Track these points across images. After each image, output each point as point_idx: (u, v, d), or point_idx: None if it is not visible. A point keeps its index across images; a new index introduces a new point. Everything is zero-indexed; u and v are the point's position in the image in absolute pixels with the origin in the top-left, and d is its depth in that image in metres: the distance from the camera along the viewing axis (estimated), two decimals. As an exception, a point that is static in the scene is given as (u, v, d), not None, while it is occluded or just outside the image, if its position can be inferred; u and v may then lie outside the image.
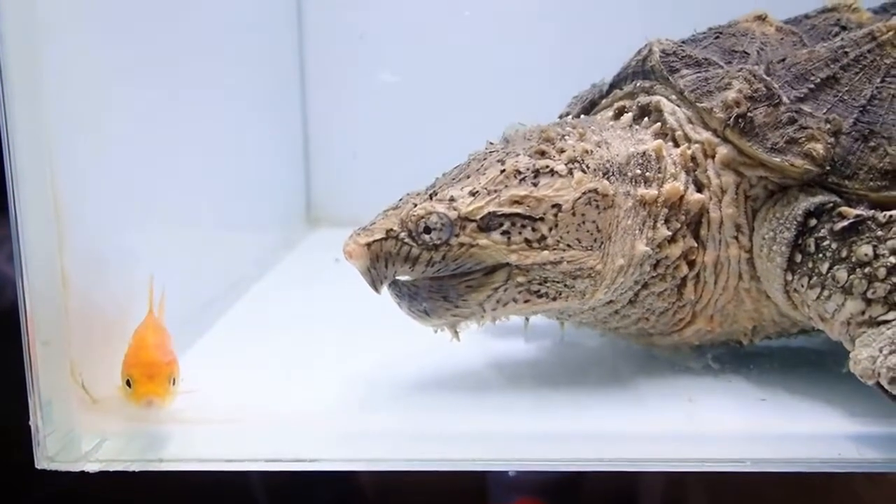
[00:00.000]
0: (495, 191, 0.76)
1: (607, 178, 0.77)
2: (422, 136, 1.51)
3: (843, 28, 0.89)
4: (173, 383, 0.73)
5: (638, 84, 0.89)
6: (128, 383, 0.72)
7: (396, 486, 1.08)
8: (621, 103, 0.89)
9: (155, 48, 0.95)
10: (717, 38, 0.89)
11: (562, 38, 1.50)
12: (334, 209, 1.58)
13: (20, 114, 0.69)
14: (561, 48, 1.49)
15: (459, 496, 1.08)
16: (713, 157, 0.81)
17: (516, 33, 1.52)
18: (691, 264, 0.82)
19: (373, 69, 1.56)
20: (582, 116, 0.91)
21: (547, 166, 0.76)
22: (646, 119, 0.85)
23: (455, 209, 0.75)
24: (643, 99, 0.87)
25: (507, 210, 0.75)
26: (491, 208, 0.75)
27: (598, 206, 0.77)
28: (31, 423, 0.71)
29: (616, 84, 0.92)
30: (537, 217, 0.75)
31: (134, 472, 0.71)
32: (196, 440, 0.75)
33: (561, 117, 0.97)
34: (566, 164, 0.77)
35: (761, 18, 0.91)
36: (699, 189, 0.81)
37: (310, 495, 1.04)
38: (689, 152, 0.82)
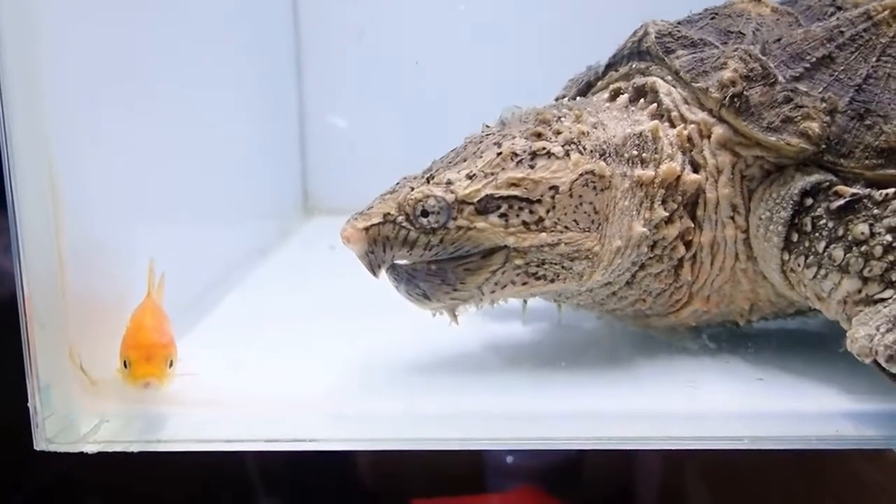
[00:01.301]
0: (492, 173, 0.76)
1: (604, 160, 0.78)
2: (419, 127, 1.51)
3: (839, 8, 0.88)
4: (171, 365, 0.73)
5: (634, 65, 0.89)
6: (125, 365, 0.72)
7: (394, 473, 1.08)
8: (617, 85, 0.89)
9: (153, 37, 0.95)
10: (713, 18, 0.89)
11: (556, 27, 1.49)
12: (331, 199, 1.58)
13: (18, 100, 0.69)
14: (555, 37, 1.49)
15: (457, 484, 1.08)
16: (709, 137, 0.81)
17: (511, 24, 1.52)
18: (688, 245, 0.82)
19: (369, 60, 1.56)
20: (578, 98, 0.91)
21: (543, 148, 0.76)
22: (642, 100, 0.85)
23: (452, 192, 0.75)
24: (639, 80, 0.87)
25: (504, 192, 0.75)
26: (488, 191, 0.75)
27: (595, 188, 0.77)
28: (29, 405, 0.71)
29: (612, 65, 0.92)
30: (534, 199, 0.75)
31: (132, 455, 0.71)
32: (195, 421, 0.75)
33: (557, 100, 0.97)
34: (563, 146, 0.77)
35: (757, -1, 0.91)
36: (696, 170, 0.81)
37: (308, 477, 1.04)
38: (686, 133, 0.82)
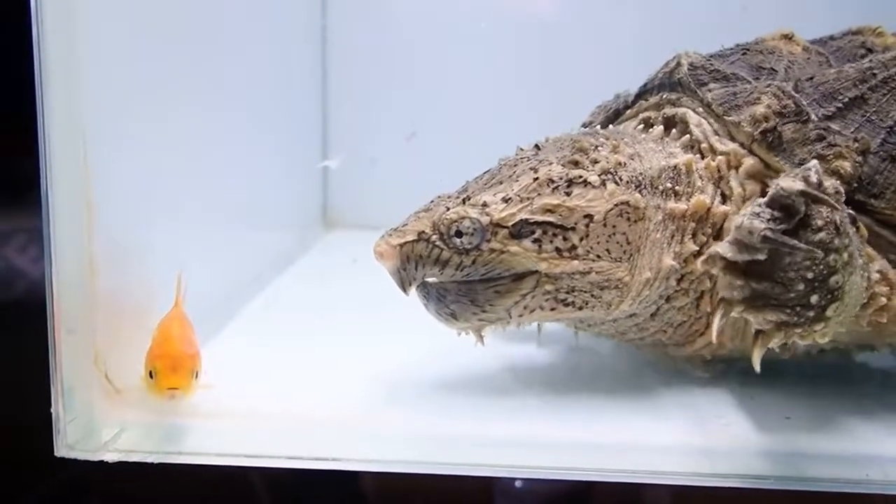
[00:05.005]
0: (528, 198, 0.76)
1: (639, 191, 0.77)
2: (439, 144, 1.52)
3: (869, 50, 0.90)
4: (196, 376, 0.73)
5: (664, 96, 0.89)
6: (151, 375, 0.72)
7: (400, 494, 1.07)
8: (647, 114, 0.90)
9: (185, 53, 0.95)
10: (745, 54, 0.90)
11: (578, 48, 1.50)
12: (350, 213, 1.59)
13: (56, 106, 0.69)
14: (576, 58, 1.50)
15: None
16: (737, 168, 0.81)
17: (531, 44, 1.53)
18: (712, 277, 0.82)
19: (392, 77, 1.57)
20: (610, 127, 0.91)
21: (580, 177, 0.76)
22: (674, 131, 0.86)
23: (487, 214, 0.75)
24: (669, 111, 0.88)
25: (539, 218, 0.75)
26: (523, 216, 0.75)
27: (629, 219, 0.77)
28: (52, 410, 0.71)
29: (642, 94, 0.93)
30: (569, 227, 0.75)
31: (145, 466, 0.71)
32: (216, 434, 0.75)
33: (584, 126, 0.97)
34: (599, 176, 0.77)
35: (788, 37, 0.91)
36: (724, 200, 0.82)
37: (311, 497, 1.03)
38: (715, 164, 0.82)
